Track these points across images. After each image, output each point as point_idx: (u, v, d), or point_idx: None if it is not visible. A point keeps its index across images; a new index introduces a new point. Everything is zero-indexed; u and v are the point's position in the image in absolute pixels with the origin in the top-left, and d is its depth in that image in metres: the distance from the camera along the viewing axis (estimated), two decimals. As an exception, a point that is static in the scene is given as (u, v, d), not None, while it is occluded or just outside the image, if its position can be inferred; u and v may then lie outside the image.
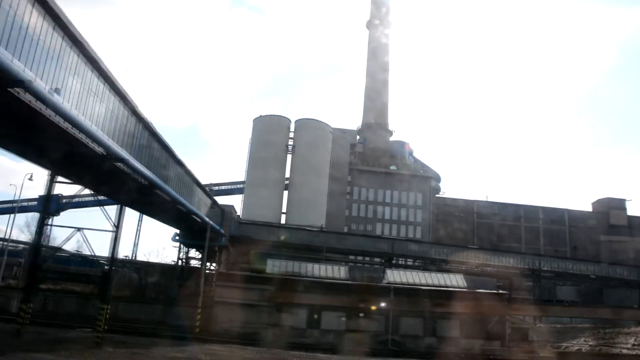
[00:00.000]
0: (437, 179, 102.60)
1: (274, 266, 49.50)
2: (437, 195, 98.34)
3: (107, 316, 27.48)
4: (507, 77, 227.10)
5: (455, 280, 50.18)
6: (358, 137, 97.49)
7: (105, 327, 26.91)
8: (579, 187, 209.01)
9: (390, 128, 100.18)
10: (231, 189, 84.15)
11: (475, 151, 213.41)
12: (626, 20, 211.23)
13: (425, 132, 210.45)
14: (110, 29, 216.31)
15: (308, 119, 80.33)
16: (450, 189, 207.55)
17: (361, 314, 44.25)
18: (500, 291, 48.59)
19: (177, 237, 55.78)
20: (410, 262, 71.96)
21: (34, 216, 61.87)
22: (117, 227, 27.79)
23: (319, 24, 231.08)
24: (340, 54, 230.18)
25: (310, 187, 76.27)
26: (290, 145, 78.75)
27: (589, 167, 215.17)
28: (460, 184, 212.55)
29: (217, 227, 50.93)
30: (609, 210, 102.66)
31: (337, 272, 49.97)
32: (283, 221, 76.54)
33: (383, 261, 69.33)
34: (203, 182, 48.55)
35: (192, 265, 59.70)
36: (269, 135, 77.47)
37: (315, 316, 44.17)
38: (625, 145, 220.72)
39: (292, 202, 77.08)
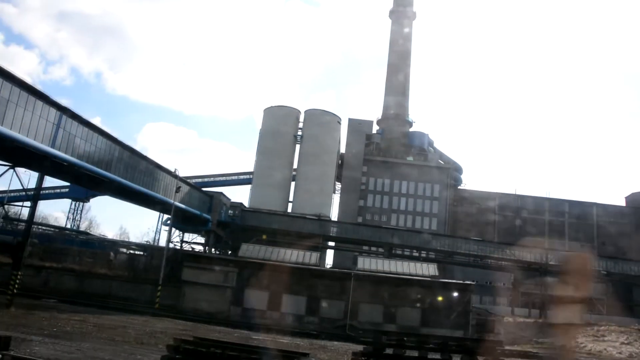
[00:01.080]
0: (459, 170, 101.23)
1: (247, 250, 51.63)
2: (456, 187, 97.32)
3: (18, 281, 30.13)
4: (533, 68, 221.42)
5: (427, 270, 50.64)
6: (378, 127, 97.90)
7: (15, 291, 29.63)
8: (614, 180, 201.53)
9: (410, 119, 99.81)
10: (240, 180, 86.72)
11: (502, 143, 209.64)
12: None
13: (450, 124, 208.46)
14: (168, 23, 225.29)
15: (316, 109, 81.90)
16: (476, 181, 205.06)
17: (322, 299, 45.69)
18: (467, 282, 48.51)
19: (167, 222, 59.23)
20: (418, 253, 72.50)
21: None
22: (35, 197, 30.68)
23: (356, 14, 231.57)
24: (365, 46, 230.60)
25: (315, 177, 77.77)
26: (299, 135, 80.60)
27: (627, 159, 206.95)
28: (486, 176, 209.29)
29: (196, 212, 53.53)
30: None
31: (307, 257, 51.37)
32: (290, 210, 78.61)
33: (383, 251, 70.46)
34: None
35: (188, 248, 63.07)
36: (278, 125, 79.59)
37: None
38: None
39: (298, 191, 78.96)
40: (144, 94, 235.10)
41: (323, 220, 72.65)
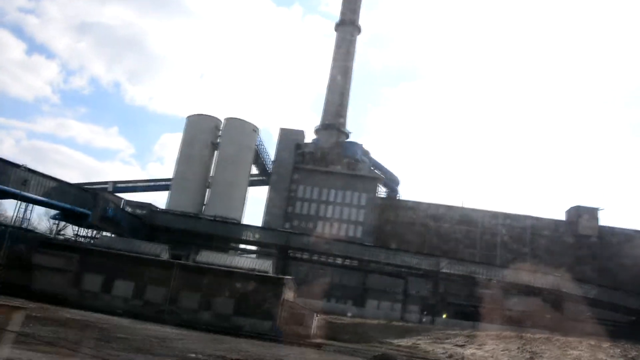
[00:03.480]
0: (396, 181, 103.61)
1: (102, 241, 55.77)
2: (384, 197, 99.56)
3: None
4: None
5: (263, 266, 53.65)
6: (316, 136, 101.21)
7: None
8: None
9: (347, 130, 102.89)
10: (161, 185, 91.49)
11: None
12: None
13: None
14: (186, 36, 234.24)
15: (234, 118, 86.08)
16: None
17: (148, 285, 49.22)
18: (281, 276, 51.20)
19: (56, 216, 64.23)
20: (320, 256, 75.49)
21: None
22: None
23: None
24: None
25: (229, 182, 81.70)
26: (218, 142, 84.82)
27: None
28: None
29: (67, 205, 57.94)
30: (578, 219, 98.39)
31: (155, 249, 55.05)
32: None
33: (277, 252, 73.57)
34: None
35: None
36: (198, 133, 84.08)
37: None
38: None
39: (212, 195, 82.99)
40: (161, 105, 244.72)
41: (228, 222, 76.30)
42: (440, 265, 71.14)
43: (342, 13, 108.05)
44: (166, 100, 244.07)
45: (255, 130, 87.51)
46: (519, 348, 47.40)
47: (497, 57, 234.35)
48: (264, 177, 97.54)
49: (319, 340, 46.63)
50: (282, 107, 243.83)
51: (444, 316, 72.94)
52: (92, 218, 62.35)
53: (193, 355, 22.20)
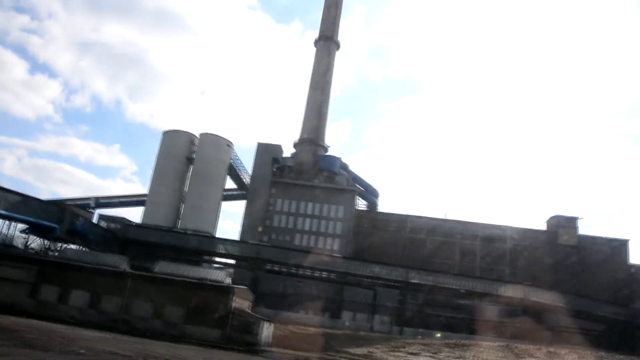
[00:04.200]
0: (375, 194, 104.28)
1: (65, 254, 56.75)
2: (362, 209, 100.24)
3: None
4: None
5: (219, 276, 54.33)
6: (295, 150, 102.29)
7: None
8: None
9: (326, 144, 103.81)
10: (137, 201, 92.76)
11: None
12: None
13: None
14: (186, 54, 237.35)
15: (209, 134, 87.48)
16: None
17: (102, 295, 50.06)
18: (231, 285, 51.83)
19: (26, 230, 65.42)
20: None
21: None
22: None
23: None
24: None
25: (202, 197, 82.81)
26: (193, 157, 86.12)
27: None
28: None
29: (31, 219, 59.13)
30: (557, 229, 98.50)
31: (115, 261, 55.94)
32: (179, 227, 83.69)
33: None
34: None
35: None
36: (173, 148, 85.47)
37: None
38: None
39: (185, 209, 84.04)
40: (162, 122, 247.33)
41: (199, 235, 77.19)
42: (409, 276, 71.43)
43: (321, 29, 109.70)
44: (167, 117, 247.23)
45: (229, 145, 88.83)
46: (474, 355, 47.81)
47: (484, 70, 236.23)
48: (243, 191, 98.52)
49: (266, 348, 47.12)
50: (280, 122, 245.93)
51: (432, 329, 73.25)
52: (60, 231, 63.54)
53: (83, 351, 22.96)
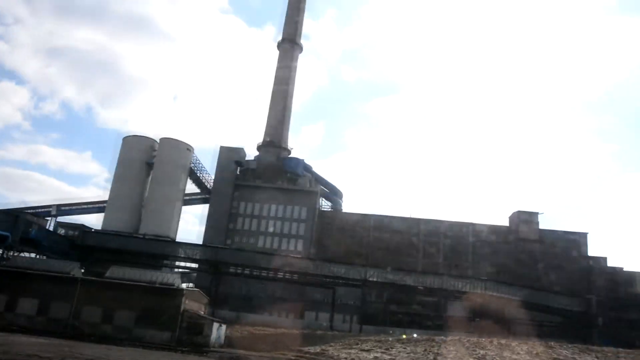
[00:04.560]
0: (339, 194, 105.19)
1: (14, 262, 56.48)
2: (326, 210, 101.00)
3: None
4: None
5: (170, 279, 54.50)
6: (259, 153, 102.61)
7: None
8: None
9: (289, 146, 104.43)
10: (97, 207, 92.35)
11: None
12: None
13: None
14: (159, 60, 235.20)
15: (168, 138, 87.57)
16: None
17: (52, 301, 49.97)
18: (180, 288, 52.14)
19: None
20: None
21: None
22: None
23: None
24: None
25: (162, 201, 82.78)
26: (152, 162, 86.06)
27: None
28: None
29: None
30: (519, 224, 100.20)
31: (66, 267, 55.83)
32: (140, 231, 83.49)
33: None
34: None
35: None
36: (132, 153, 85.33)
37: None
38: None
39: (145, 214, 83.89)
40: (135, 128, 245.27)
41: (159, 240, 77.15)
42: (367, 274, 72.14)
43: (284, 32, 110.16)
44: (140, 123, 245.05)
45: (189, 149, 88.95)
46: (425, 350, 48.51)
47: (452, 68, 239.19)
48: (206, 195, 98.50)
49: (216, 349, 47.49)
50: (251, 125, 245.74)
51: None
52: (12, 239, 63.11)
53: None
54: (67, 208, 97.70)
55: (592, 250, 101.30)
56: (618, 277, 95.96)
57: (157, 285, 51.23)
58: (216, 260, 73.13)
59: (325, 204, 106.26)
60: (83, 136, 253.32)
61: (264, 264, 73.25)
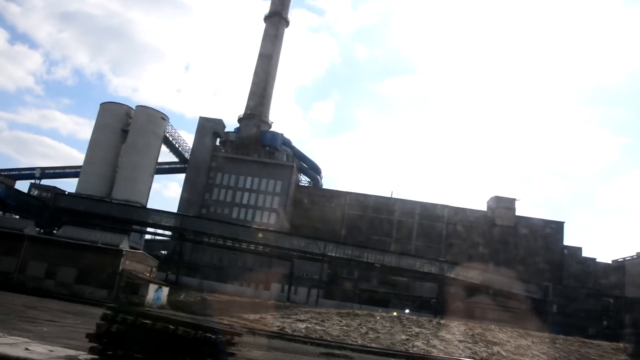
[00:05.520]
0: (317, 170, 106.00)
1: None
2: (302, 185, 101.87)
3: None
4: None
5: (112, 239, 56.06)
6: (239, 125, 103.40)
7: None
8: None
9: (269, 120, 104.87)
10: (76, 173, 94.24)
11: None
12: None
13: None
14: (172, 29, 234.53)
15: (144, 106, 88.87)
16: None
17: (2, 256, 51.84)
18: (120, 248, 53.44)
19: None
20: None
21: None
22: None
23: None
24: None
25: (135, 168, 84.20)
26: (128, 129, 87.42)
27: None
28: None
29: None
30: (495, 209, 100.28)
31: (21, 224, 57.62)
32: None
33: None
34: None
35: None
36: (108, 120, 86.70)
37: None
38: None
39: (118, 180, 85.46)
40: (145, 97, 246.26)
41: (129, 206, 78.72)
42: (326, 249, 73.06)
43: (272, 5, 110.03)
44: (150, 91, 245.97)
45: (164, 118, 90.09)
46: (360, 324, 49.63)
47: (451, 51, 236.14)
48: (185, 165, 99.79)
49: (152, 309, 48.74)
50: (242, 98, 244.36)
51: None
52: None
53: None
54: (50, 171, 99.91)
55: (569, 240, 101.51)
56: (590, 268, 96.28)
57: (98, 245, 52.82)
58: (181, 227, 74.32)
59: (305, 180, 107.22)
60: (94, 103, 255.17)
61: (228, 234, 74.34)
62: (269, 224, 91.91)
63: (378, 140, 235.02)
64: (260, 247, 76.78)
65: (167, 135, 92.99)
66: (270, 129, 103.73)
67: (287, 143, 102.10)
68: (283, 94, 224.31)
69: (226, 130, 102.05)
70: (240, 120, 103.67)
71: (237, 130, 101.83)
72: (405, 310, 70.90)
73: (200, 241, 77.10)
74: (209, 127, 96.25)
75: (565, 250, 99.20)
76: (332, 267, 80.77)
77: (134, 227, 78.68)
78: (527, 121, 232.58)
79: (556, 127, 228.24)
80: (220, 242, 78.31)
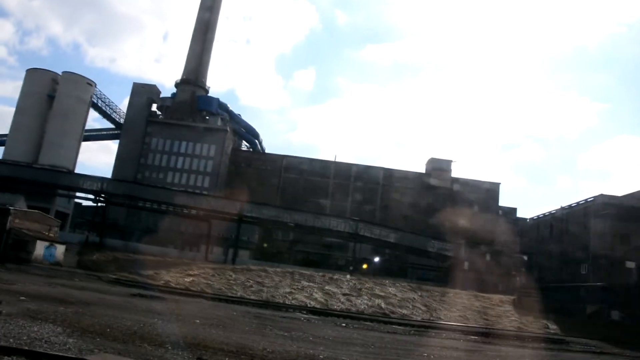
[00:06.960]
0: (255, 135, 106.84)
1: None
2: (238, 149, 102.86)
3: None
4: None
5: (10, 199, 57.29)
6: (176, 91, 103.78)
7: None
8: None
9: (207, 85, 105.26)
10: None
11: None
12: None
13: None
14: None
15: (70, 72, 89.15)
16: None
17: None
18: (8, 207, 54.64)
19: None
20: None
21: None
22: None
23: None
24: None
25: (62, 134, 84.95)
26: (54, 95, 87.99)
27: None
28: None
29: None
30: (432, 170, 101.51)
31: None
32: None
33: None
34: None
35: None
36: (34, 86, 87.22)
37: None
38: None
39: (45, 146, 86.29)
40: (123, 67, 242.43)
41: (55, 171, 79.55)
42: (242, 209, 74.26)
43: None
44: (128, 62, 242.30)
45: (90, 84, 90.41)
46: (248, 278, 51.33)
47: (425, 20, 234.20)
48: (119, 131, 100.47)
49: (39, 264, 50.01)
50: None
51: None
52: None
53: None
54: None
55: (504, 201, 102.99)
56: (521, 228, 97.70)
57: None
58: (101, 191, 75.40)
59: (244, 145, 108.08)
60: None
61: (151, 197, 75.55)
62: (203, 187, 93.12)
63: (359, 108, 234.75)
64: (186, 210, 78.20)
65: (97, 101, 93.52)
66: (207, 94, 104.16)
67: (224, 107, 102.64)
68: (263, 63, 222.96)
69: (166, 95, 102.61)
70: (177, 85, 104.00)
71: (174, 95, 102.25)
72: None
73: (122, 204, 78.23)
74: (143, 93, 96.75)
75: (500, 211, 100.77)
76: (263, 229, 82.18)
77: (60, 191, 79.75)
78: (508, 88, 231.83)
79: (537, 94, 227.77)
80: (147, 206, 79.72)
